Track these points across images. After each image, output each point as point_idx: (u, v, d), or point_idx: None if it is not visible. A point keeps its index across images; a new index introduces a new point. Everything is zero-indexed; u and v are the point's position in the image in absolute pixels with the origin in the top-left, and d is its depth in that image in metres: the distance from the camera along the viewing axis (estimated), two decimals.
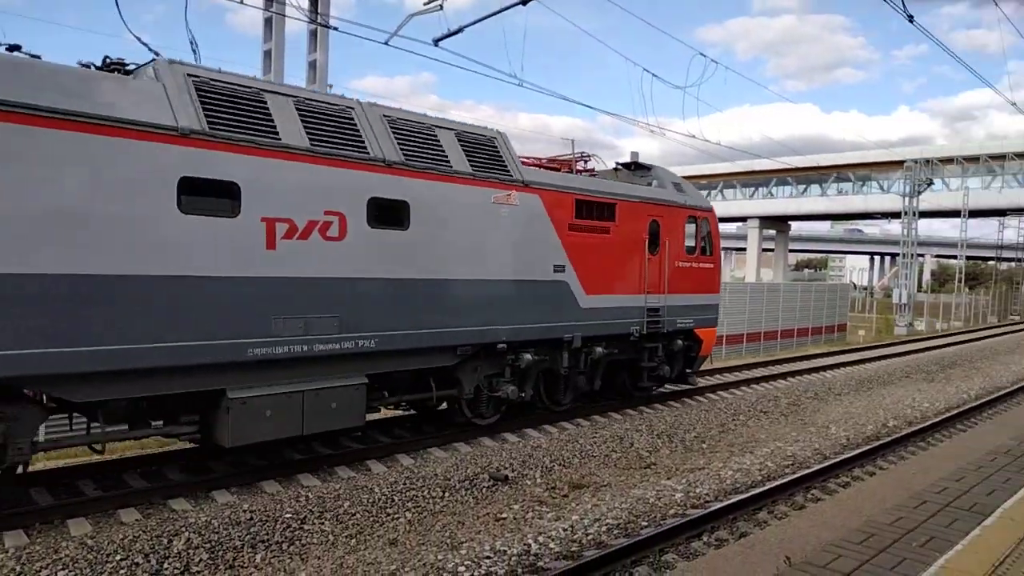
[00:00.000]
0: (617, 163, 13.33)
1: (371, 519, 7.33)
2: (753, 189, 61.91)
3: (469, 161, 9.45)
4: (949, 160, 48.74)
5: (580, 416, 11.76)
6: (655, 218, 12.12)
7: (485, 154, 9.73)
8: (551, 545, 6.77)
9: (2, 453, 6.34)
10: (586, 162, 12.80)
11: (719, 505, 7.80)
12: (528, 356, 10.28)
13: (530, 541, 6.80)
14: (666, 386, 13.62)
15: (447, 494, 8.08)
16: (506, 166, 9.92)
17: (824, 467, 9.45)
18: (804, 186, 58.51)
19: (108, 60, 7.30)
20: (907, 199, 39.33)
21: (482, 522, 7.40)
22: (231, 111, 7.34)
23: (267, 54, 12.37)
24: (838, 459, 9.86)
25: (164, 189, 6.72)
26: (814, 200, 57.92)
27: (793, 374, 17.17)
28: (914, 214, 39.46)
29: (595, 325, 11.12)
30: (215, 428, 7.44)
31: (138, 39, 9.46)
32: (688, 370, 13.47)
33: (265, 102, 7.67)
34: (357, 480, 8.27)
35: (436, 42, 12.00)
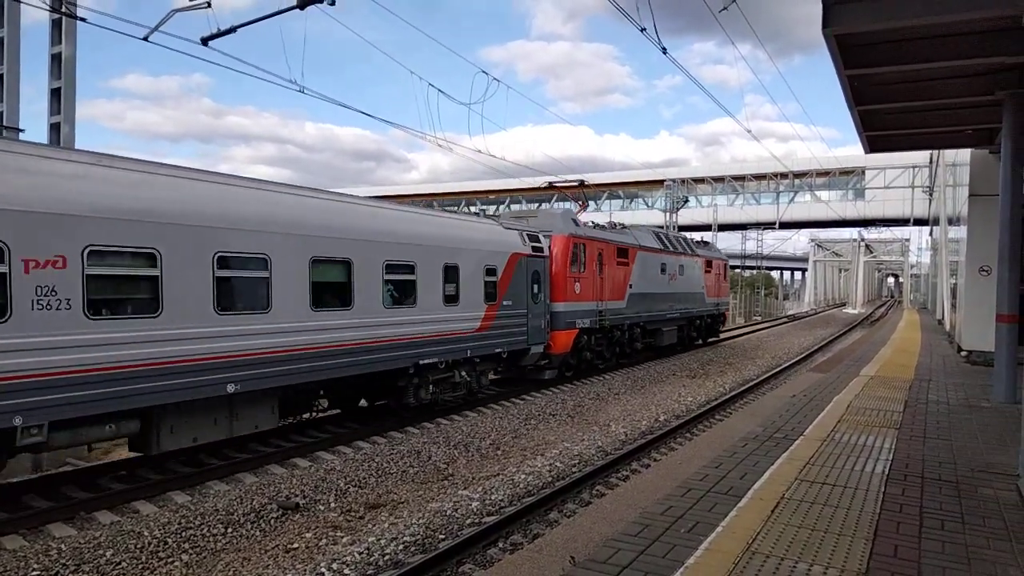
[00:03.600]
0: (698, 241, 29.55)
1: (140, 566, 6.58)
2: (537, 205, 65.14)
3: (687, 246, 26.53)
4: (701, 180, 55.15)
5: (378, 434, 11.59)
6: (718, 265, 29.68)
7: (687, 242, 27.19)
8: (346, 571, 6.52)
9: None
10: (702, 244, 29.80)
11: (513, 510, 8.02)
12: (699, 321, 27.34)
13: (323, 569, 6.50)
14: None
15: (230, 529, 7.49)
16: (693, 247, 27.18)
17: (606, 463, 10.11)
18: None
19: (603, 225, 21.88)
20: (668, 214, 43.68)
21: (270, 555, 6.95)
22: (663, 240, 24.70)
23: None
24: (618, 455, 10.61)
25: (658, 266, 23.16)
26: (591, 216, 62.28)
27: (577, 378, 18.25)
28: (674, 227, 43.87)
29: (708, 311, 28.19)
30: (656, 340, 23.15)
31: None
32: (718, 329, 30.56)
33: (655, 234, 24.63)
34: (122, 525, 7.41)
35: (205, 41, 11.24)
